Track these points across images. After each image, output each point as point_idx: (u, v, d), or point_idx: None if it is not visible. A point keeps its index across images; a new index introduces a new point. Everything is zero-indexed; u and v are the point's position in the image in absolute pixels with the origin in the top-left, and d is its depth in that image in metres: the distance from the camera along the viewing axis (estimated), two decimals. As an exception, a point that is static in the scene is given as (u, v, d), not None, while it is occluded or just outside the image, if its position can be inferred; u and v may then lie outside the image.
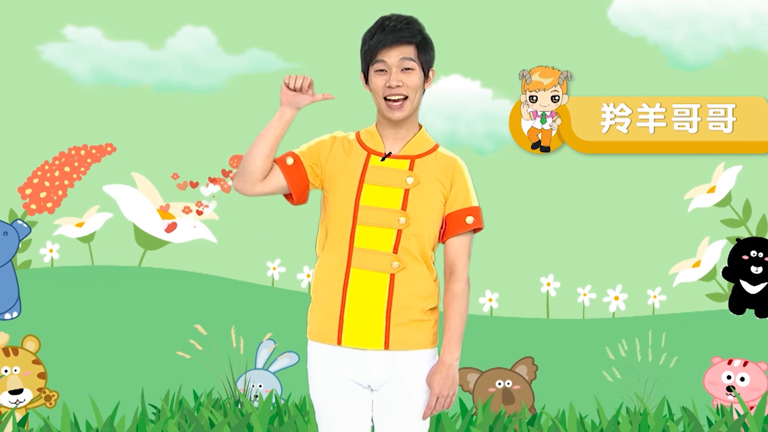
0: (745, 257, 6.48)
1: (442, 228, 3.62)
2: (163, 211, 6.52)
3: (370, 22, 3.60)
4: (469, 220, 3.60)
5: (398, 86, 3.53)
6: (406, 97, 3.56)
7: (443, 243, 3.65)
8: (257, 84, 6.52)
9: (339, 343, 3.53)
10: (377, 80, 3.55)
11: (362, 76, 3.64)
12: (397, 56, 3.52)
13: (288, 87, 3.58)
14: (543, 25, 6.52)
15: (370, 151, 3.60)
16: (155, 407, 6.42)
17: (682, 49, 6.53)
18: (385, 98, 3.56)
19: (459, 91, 6.51)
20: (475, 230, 3.65)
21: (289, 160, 3.62)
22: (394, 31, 3.51)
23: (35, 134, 6.50)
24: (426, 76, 3.61)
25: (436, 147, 3.66)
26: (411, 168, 3.57)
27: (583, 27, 6.50)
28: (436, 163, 3.60)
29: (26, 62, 6.49)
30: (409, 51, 3.53)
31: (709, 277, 6.49)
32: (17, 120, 6.51)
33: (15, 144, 6.50)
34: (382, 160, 3.59)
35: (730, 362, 6.47)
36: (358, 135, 3.68)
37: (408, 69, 3.53)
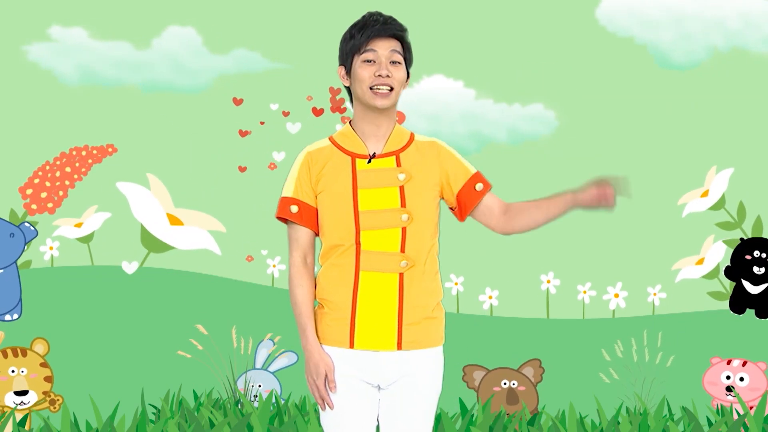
0: (748, 257, 6.46)
1: (455, 208, 3.60)
2: (173, 216, 6.53)
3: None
4: (479, 186, 3.61)
5: (387, 76, 3.47)
6: (392, 89, 3.49)
7: (465, 219, 3.64)
8: (243, 84, 6.50)
9: (351, 346, 3.48)
10: (364, 71, 3.48)
11: (342, 69, 3.56)
12: (387, 48, 3.48)
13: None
14: (529, 24, 6.50)
15: (353, 155, 3.52)
16: (155, 407, 6.36)
17: (670, 49, 6.51)
18: (371, 87, 3.48)
19: (441, 91, 6.51)
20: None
21: (294, 208, 3.53)
22: (386, 24, 3.48)
23: (25, 134, 6.45)
24: (407, 74, 3.56)
25: (412, 136, 3.60)
26: (398, 164, 3.51)
27: (570, 27, 6.48)
28: (419, 152, 3.56)
29: (12, 62, 6.45)
30: (398, 45, 3.50)
31: (712, 275, 6.47)
32: (7, 120, 6.46)
33: (7, 144, 6.47)
34: (368, 162, 3.51)
35: (729, 362, 6.44)
36: (332, 140, 3.58)
37: (396, 62, 3.49)
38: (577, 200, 3.62)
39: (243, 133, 6.43)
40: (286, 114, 6.46)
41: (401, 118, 6.40)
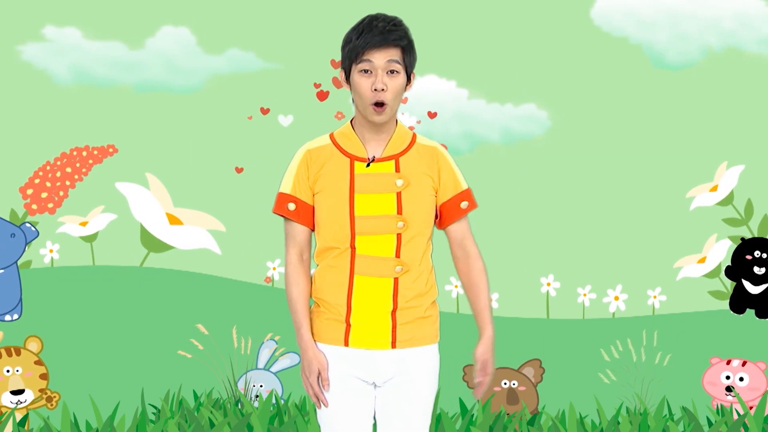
0: (749, 257, 6.46)
1: (437, 217, 3.56)
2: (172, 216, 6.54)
3: (350, 22, 3.49)
4: (464, 205, 3.56)
5: (383, 90, 3.40)
6: (386, 104, 3.43)
7: (442, 229, 3.60)
8: (237, 84, 6.46)
9: (346, 345, 3.48)
10: (362, 81, 3.42)
11: (342, 73, 3.50)
12: (384, 58, 3.41)
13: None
14: (524, 24, 6.44)
15: (352, 158, 3.49)
16: (155, 407, 6.32)
17: (664, 49, 6.48)
18: (371, 103, 3.42)
19: (434, 91, 6.49)
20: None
21: (291, 206, 3.51)
22: (383, 33, 3.40)
23: (22, 134, 6.41)
24: (408, 79, 3.49)
25: (414, 138, 3.55)
26: (397, 169, 3.48)
27: (565, 27, 6.44)
28: (419, 156, 3.52)
29: (6, 62, 6.41)
30: (396, 54, 3.42)
31: (714, 274, 6.44)
32: (3, 120, 6.43)
33: (6, 144, 6.43)
34: (367, 166, 3.48)
35: (728, 362, 6.42)
36: (333, 138, 3.54)
37: (393, 71, 3.42)
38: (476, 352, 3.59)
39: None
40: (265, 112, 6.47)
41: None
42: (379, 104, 3.44)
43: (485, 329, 3.57)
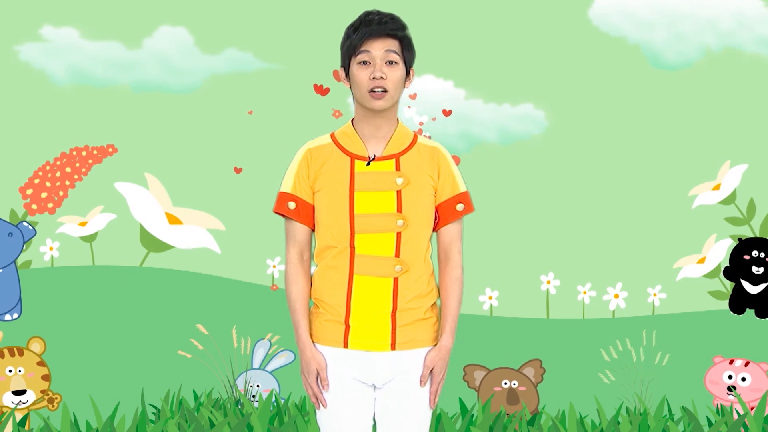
0: (747, 257, 6.46)
1: (435, 219, 3.57)
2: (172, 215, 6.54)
3: (347, 22, 3.52)
4: (459, 207, 3.56)
5: (382, 78, 3.41)
6: (386, 90, 3.44)
7: (436, 231, 3.58)
8: (234, 84, 6.46)
9: (345, 346, 3.49)
10: (360, 73, 3.44)
11: (342, 70, 3.51)
12: (382, 48, 3.43)
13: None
14: (521, 24, 6.43)
15: (353, 156, 3.49)
16: (155, 407, 6.32)
17: (662, 49, 6.49)
18: (368, 90, 3.43)
19: (431, 91, 6.50)
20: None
21: (291, 205, 3.52)
22: (380, 24, 3.43)
23: (22, 134, 6.41)
24: (407, 73, 3.49)
25: (415, 138, 3.55)
26: (397, 168, 3.48)
27: (563, 27, 6.45)
28: (420, 156, 3.52)
29: (4, 62, 6.41)
30: (394, 45, 3.44)
31: (713, 274, 6.44)
32: (2, 120, 6.44)
33: (5, 144, 6.43)
34: (368, 164, 3.48)
35: (731, 362, 6.44)
36: (333, 138, 3.54)
37: (392, 62, 3.43)
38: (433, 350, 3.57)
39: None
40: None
41: (456, 160, 6.42)
42: (377, 91, 3.43)
43: (443, 337, 3.55)
